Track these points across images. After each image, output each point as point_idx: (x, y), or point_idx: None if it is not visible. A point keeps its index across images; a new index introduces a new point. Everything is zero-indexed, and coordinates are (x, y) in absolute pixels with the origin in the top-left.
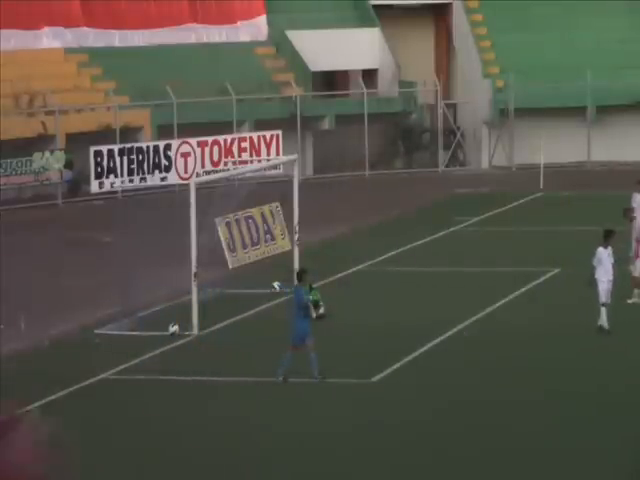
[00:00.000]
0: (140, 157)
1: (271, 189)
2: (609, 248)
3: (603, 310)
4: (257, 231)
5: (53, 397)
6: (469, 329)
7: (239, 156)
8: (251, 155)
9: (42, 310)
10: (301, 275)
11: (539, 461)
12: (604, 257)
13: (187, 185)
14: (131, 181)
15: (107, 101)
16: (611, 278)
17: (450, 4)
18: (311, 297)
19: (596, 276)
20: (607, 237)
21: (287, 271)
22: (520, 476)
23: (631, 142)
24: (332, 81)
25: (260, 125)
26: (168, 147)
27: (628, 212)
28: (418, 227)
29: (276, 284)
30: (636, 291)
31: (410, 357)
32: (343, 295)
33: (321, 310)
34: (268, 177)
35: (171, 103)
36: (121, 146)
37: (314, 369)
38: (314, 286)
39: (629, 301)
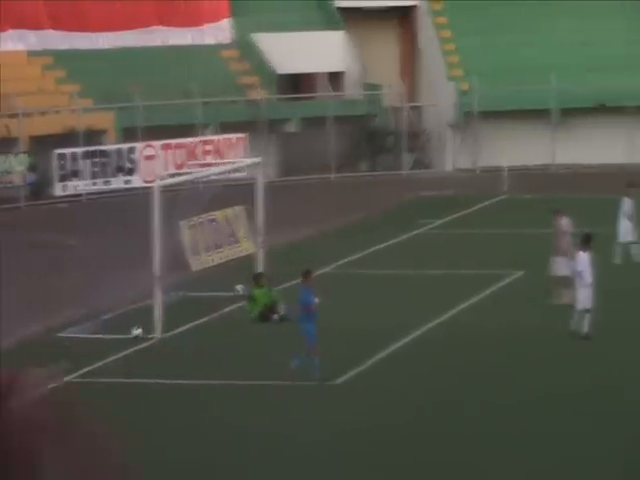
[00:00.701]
0: (104, 160)
1: (236, 192)
2: (588, 252)
3: (587, 316)
4: (221, 234)
5: None
6: (433, 331)
7: (204, 159)
8: (216, 158)
9: (5, 313)
10: (258, 278)
11: (508, 463)
12: (585, 262)
13: (151, 188)
14: (95, 184)
15: (71, 104)
16: (591, 281)
17: (415, 7)
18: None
19: (578, 281)
20: (587, 241)
21: (251, 274)
22: (469, 473)
23: (595, 145)
24: (298, 84)
25: (225, 128)
26: (132, 150)
27: (555, 214)
28: (383, 230)
29: (239, 287)
30: (564, 291)
31: (374, 359)
32: None
33: (282, 312)
34: (233, 180)
35: (136, 106)
36: (85, 149)
37: (316, 372)
38: (273, 288)
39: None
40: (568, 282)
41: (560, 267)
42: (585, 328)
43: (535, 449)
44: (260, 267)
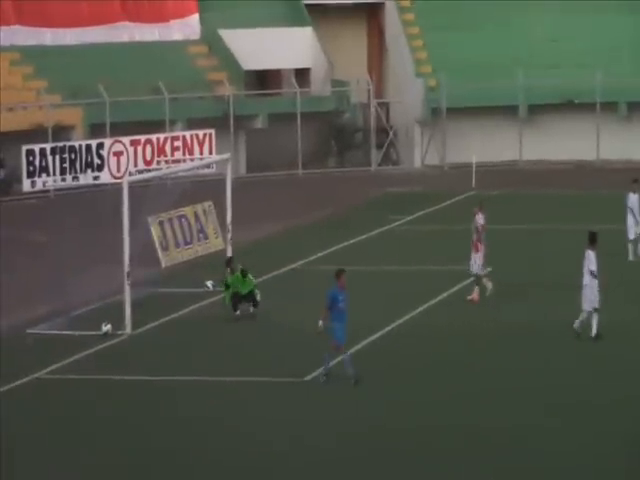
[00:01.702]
0: (72, 156)
1: (204, 188)
2: (594, 251)
3: (595, 316)
4: (190, 230)
5: None
6: (402, 327)
7: (172, 155)
8: (184, 154)
9: None
10: (229, 263)
11: (480, 455)
12: (593, 260)
13: (120, 184)
14: (63, 180)
15: (39, 100)
16: (587, 283)
17: (383, 4)
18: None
19: (585, 282)
20: (594, 240)
21: (220, 270)
22: (451, 472)
23: (562, 141)
24: (265, 80)
25: (193, 124)
26: (100, 146)
27: (476, 209)
28: (351, 226)
29: (209, 283)
30: (477, 287)
31: (343, 356)
32: (276, 293)
33: (258, 297)
34: (201, 176)
35: (103, 102)
36: (53, 145)
37: (326, 368)
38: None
39: (468, 297)
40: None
41: (473, 262)
42: (594, 329)
43: (505, 442)
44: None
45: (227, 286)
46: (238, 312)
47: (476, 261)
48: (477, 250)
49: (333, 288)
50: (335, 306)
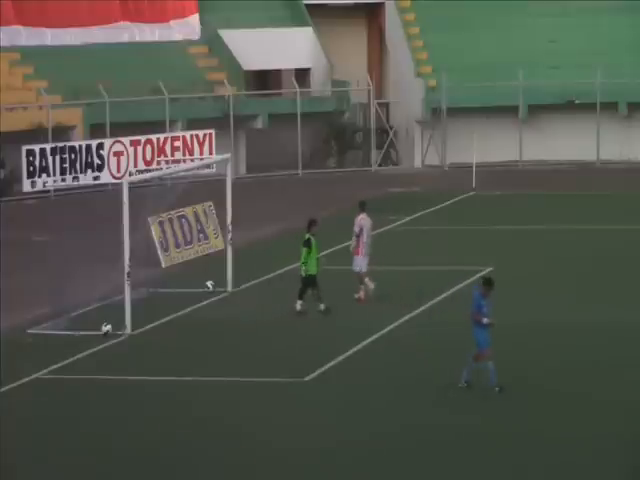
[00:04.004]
0: (73, 156)
1: (204, 188)
2: None
3: None
4: (190, 230)
5: None
6: (403, 328)
7: (172, 155)
8: (184, 154)
9: None
10: (312, 225)
11: (468, 457)
12: None
13: (120, 184)
14: (63, 180)
15: (39, 100)
16: None
17: (383, 4)
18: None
19: None
20: None
21: (221, 271)
22: (452, 472)
23: (562, 141)
24: (265, 80)
25: (193, 124)
26: (101, 146)
27: (359, 209)
28: (351, 226)
29: (209, 283)
30: (362, 286)
31: (343, 356)
32: (276, 294)
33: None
34: (201, 176)
35: (104, 102)
36: (53, 145)
37: (492, 379)
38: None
39: (355, 296)
40: (360, 278)
41: (356, 264)
42: None
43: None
44: (230, 264)
45: (309, 248)
46: (300, 305)
47: (358, 263)
48: (358, 253)
49: (476, 294)
50: (478, 311)
